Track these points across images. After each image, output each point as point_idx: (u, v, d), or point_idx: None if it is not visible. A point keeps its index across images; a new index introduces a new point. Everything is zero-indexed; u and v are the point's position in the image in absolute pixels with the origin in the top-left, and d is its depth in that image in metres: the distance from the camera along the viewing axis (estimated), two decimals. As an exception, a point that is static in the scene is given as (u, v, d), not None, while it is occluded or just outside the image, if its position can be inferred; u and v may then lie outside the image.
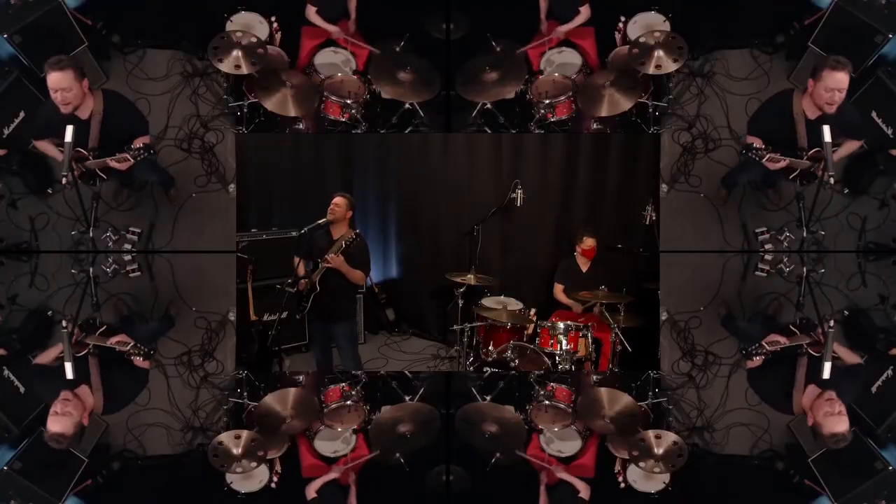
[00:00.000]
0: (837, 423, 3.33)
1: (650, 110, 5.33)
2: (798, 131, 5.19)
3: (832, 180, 5.18)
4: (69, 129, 5.03)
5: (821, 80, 5.04)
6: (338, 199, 4.94)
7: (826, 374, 3.74)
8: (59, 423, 3.27)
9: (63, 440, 3.11)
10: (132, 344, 4.13)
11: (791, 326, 4.40)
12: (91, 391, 3.54)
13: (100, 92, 5.16)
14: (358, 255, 4.89)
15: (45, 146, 5.19)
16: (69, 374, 3.70)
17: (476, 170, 6.29)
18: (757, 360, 4.01)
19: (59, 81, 4.97)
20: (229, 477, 2.84)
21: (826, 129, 5.10)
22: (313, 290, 4.83)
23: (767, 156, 5.09)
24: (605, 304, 5.22)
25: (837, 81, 5.02)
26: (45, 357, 3.94)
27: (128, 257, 5.29)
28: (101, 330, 4.29)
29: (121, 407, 3.41)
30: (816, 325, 4.41)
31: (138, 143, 5.14)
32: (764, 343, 4.19)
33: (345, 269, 4.81)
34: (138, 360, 3.95)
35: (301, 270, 5.02)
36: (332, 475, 2.87)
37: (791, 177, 5.27)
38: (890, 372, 3.77)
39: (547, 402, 3.74)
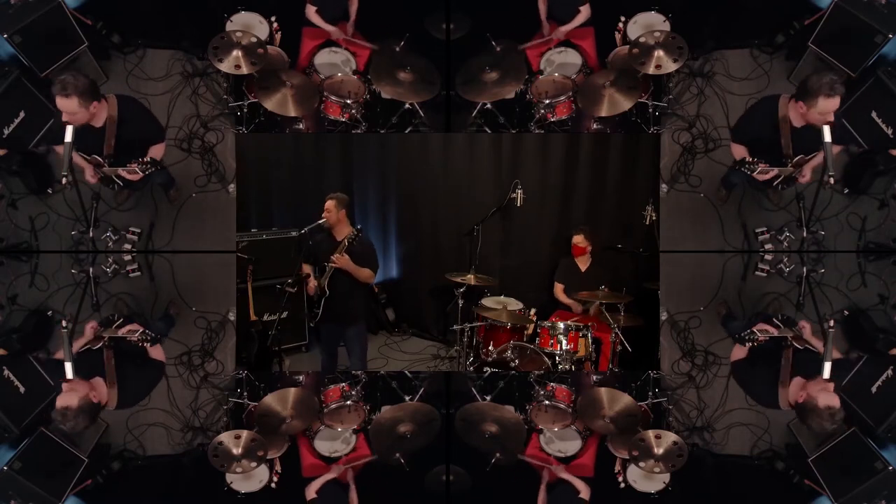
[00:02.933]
0: (827, 398, 3.35)
1: (650, 110, 5.33)
2: (783, 137, 5.21)
3: (832, 180, 5.18)
4: (69, 130, 5.04)
5: (815, 105, 5.07)
6: (328, 203, 4.96)
7: (826, 374, 3.75)
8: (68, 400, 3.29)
9: (71, 418, 3.13)
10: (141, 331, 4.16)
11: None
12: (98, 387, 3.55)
13: (113, 97, 5.17)
14: (362, 252, 4.89)
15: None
16: (69, 374, 3.70)
17: (476, 170, 6.29)
18: (746, 348, 4.04)
19: (63, 107, 5.02)
20: (229, 477, 2.84)
21: (826, 130, 5.11)
22: (323, 295, 4.84)
23: (759, 168, 5.12)
24: (604, 304, 5.22)
25: (831, 107, 5.07)
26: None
27: (128, 257, 5.29)
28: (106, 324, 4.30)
29: (125, 405, 3.42)
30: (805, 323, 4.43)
31: (149, 156, 5.15)
32: (754, 330, 4.23)
33: (351, 269, 4.82)
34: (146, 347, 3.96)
35: (307, 270, 5.02)
36: (332, 475, 2.87)
37: (775, 183, 5.29)
38: (890, 372, 3.77)
39: (547, 402, 3.74)
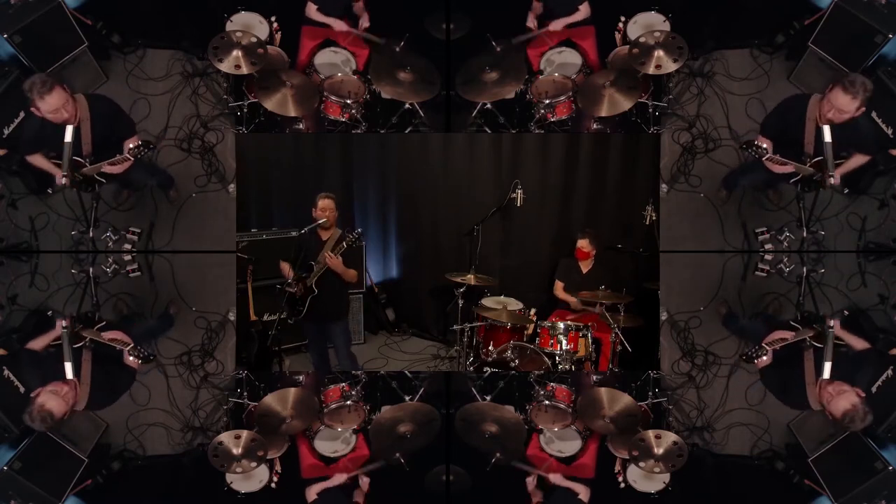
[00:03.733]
0: (843, 401, 3.35)
1: (650, 110, 5.33)
2: (807, 136, 5.20)
3: (832, 180, 5.18)
4: (68, 129, 5.04)
5: (829, 93, 5.06)
6: (328, 202, 4.93)
7: (826, 374, 3.75)
8: (51, 402, 3.29)
9: (51, 420, 3.13)
10: (132, 346, 4.14)
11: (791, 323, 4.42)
12: (86, 388, 3.55)
13: (82, 97, 5.16)
14: (353, 254, 4.91)
15: (39, 160, 5.19)
16: (68, 374, 3.70)
17: (476, 170, 6.29)
18: (759, 362, 4.02)
19: (55, 102, 4.99)
20: (229, 477, 2.84)
21: (826, 129, 5.10)
22: (310, 294, 4.83)
23: (768, 155, 5.09)
24: (605, 305, 5.22)
25: (840, 103, 5.05)
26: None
27: (128, 257, 5.29)
28: (100, 326, 4.30)
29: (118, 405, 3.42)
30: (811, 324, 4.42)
31: (133, 142, 5.13)
32: (764, 344, 4.20)
33: (341, 270, 4.83)
34: (138, 363, 3.95)
35: (289, 273, 4.96)
36: (333, 477, 2.87)
37: (793, 181, 5.27)
38: (890, 372, 3.77)
39: (547, 402, 3.74)
